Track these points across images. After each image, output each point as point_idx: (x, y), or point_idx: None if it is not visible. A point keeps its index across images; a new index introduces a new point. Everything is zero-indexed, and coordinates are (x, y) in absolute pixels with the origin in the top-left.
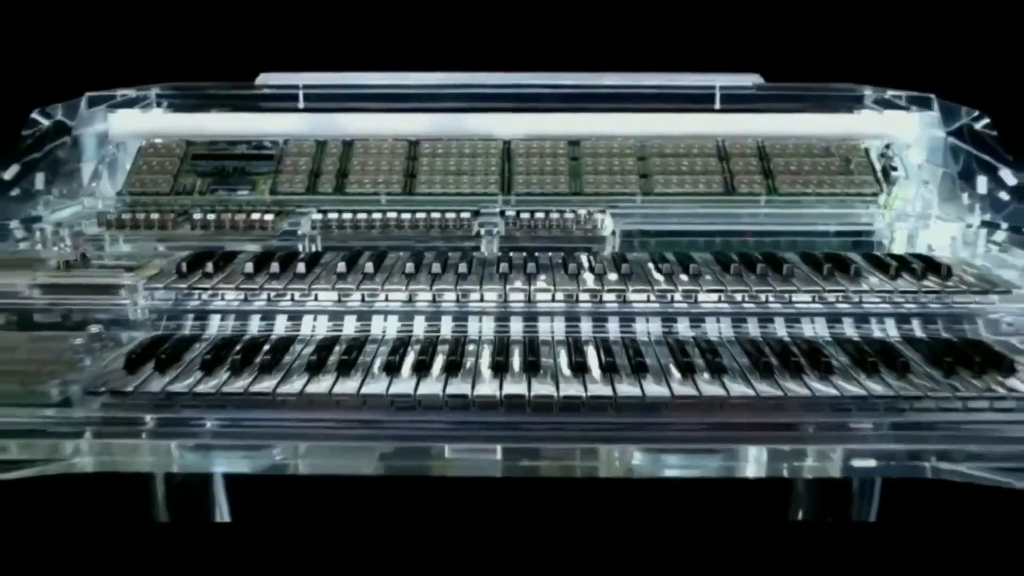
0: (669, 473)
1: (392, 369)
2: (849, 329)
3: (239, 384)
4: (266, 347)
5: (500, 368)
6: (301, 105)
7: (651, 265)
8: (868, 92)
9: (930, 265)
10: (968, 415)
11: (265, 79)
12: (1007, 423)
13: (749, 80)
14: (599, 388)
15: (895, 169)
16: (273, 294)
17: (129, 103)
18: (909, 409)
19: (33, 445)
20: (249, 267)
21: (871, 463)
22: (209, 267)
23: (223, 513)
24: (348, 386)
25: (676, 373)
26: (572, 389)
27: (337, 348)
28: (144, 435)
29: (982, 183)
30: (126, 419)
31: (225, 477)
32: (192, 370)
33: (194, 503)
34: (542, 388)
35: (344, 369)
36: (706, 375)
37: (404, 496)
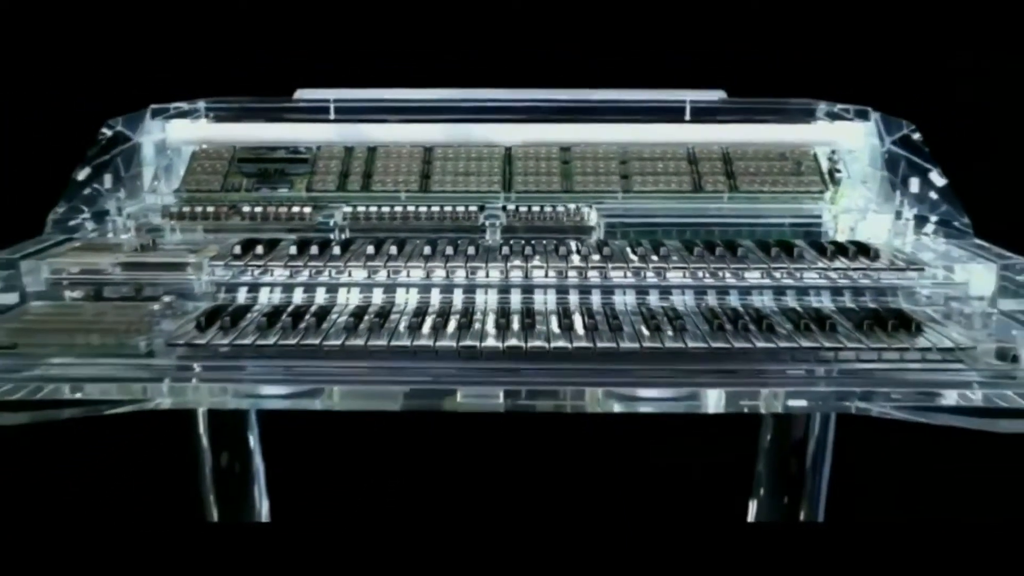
0: (643, 410)
1: (414, 329)
2: (792, 301)
3: (290, 340)
4: (309, 314)
5: (502, 328)
6: (332, 116)
7: (628, 249)
8: (822, 106)
9: (861, 249)
10: (882, 364)
11: (301, 94)
12: (913, 370)
13: (715, 95)
14: (583, 343)
15: (839, 172)
16: (314, 271)
17: (182, 114)
18: (834, 360)
19: (123, 388)
20: (293, 250)
21: (803, 403)
22: (259, 250)
23: (263, 512)
24: (379, 341)
25: (646, 332)
26: (561, 343)
27: (367, 316)
28: (213, 380)
29: (914, 184)
30: (198, 367)
31: (268, 474)
32: (250, 330)
33: (238, 503)
34: (537, 342)
35: (375, 329)
36: (670, 333)
37: (420, 461)
